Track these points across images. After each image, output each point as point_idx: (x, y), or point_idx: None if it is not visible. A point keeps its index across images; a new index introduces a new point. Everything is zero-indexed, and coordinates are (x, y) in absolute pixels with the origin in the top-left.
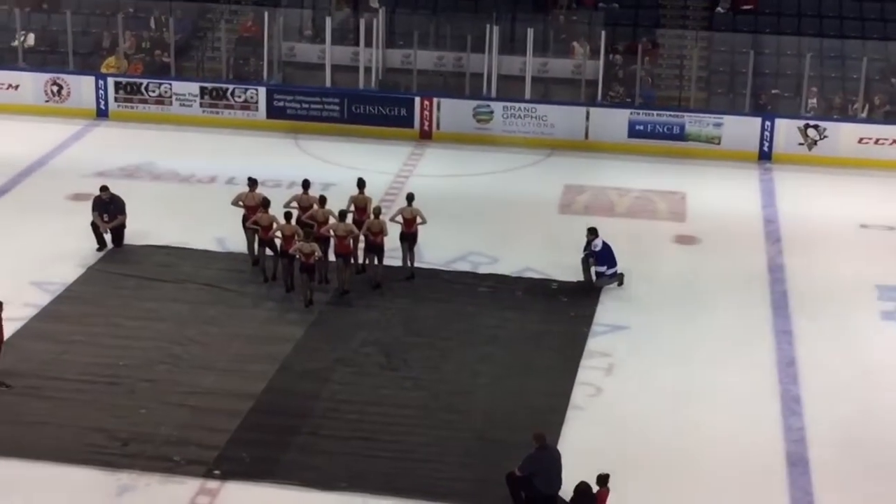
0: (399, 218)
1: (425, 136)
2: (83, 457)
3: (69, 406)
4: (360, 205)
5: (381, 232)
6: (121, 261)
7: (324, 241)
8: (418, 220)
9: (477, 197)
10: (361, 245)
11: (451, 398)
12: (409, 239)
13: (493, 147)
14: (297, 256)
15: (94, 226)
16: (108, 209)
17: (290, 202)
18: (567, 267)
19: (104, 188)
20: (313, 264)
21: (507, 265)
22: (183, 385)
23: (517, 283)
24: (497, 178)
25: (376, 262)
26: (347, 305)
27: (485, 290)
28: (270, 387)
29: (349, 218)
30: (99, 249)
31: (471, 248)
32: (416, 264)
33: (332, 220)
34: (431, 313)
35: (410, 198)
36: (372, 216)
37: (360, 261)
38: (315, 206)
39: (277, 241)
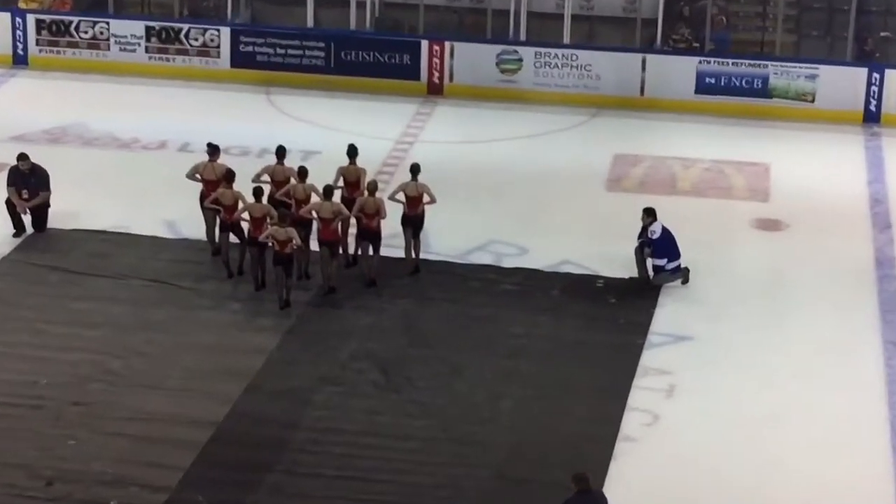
0: (401, 196)
1: (435, 90)
2: None
3: None
4: (352, 179)
5: (378, 213)
6: (43, 249)
7: (304, 225)
8: (425, 198)
9: (501, 169)
10: (352, 231)
11: (466, 427)
12: (413, 222)
13: (521, 105)
14: (270, 244)
15: (10, 204)
16: (28, 183)
17: (260, 175)
18: (616, 259)
19: (22, 156)
20: (291, 254)
21: (540, 257)
22: (122, 409)
23: (552, 280)
24: (527, 146)
25: (371, 252)
26: (334, 307)
27: (511, 289)
28: (235, 411)
29: (337, 195)
30: (15, 235)
31: (493, 234)
32: (421, 255)
33: (314, 199)
34: (442, 318)
35: (415, 170)
36: (366, 193)
37: (351, 251)
38: (293, 181)
39: (244, 225)
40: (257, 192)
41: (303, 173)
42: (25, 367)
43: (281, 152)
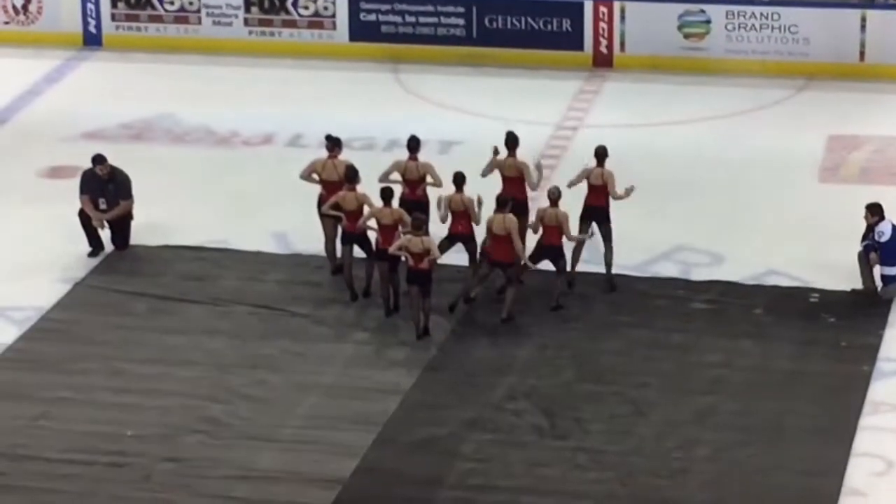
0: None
1: (603, 62)
2: None
3: (51, 501)
4: (512, 174)
5: (560, 226)
6: (126, 271)
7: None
8: (610, 186)
9: (687, 158)
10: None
11: (652, 481)
12: (596, 216)
13: (710, 78)
14: (403, 258)
15: (84, 217)
16: (106, 191)
17: (388, 173)
18: (835, 268)
19: (98, 158)
20: (429, 270)
21: (739, 267)
22: (227, 466)
23: (755, 296)
24: (718, 128)
25: (555, 271)
26: (485, 335)
27: (704, 308)
28: (366, 466)
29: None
30: (91, 254)
31: (679, 240)
32: (590, 268)
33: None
34: (619, 346)
35: (601, 155)
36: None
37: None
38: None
39: (371, 235)
40: (386, 195)
41: (350, 175)
42: (105, 417)
43: (414, 144)
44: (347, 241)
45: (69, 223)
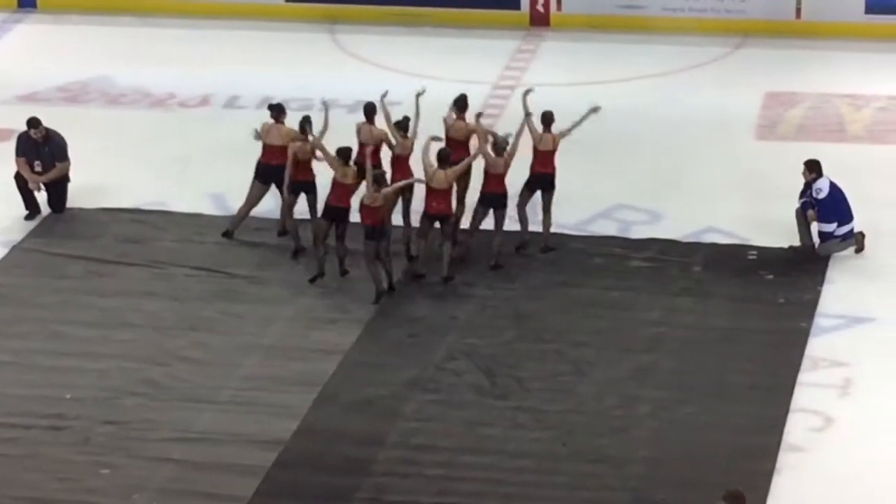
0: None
1: (540, 20)
2: None
3: None
4: (459, 136)
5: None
6: (62, 234)
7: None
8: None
9: (624, 118)
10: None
11: (593, 440)
12: (540, 183)
13: (648, 36)
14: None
15: (20, 180)
16: (41, 153)
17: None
18: (772, 225)
19: (33, 121)
20: (384, 224)
21: (677, 224)
22: (166, 428)
23: (693, 253)
24: (656, 87)
25: (493, 230)
26: (424, 296)
27: (643, 266)
28: (306, 426)
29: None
30: (28, 217)
31: (618, 198)
32: (530, 227)
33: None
34: (558, 305)
35: (549, 121)
36: (491, 153)
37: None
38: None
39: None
40: (345, 154)
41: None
42: (43, 380)
43: (369, 110)
44: (293, 190)
45: (5, 186)
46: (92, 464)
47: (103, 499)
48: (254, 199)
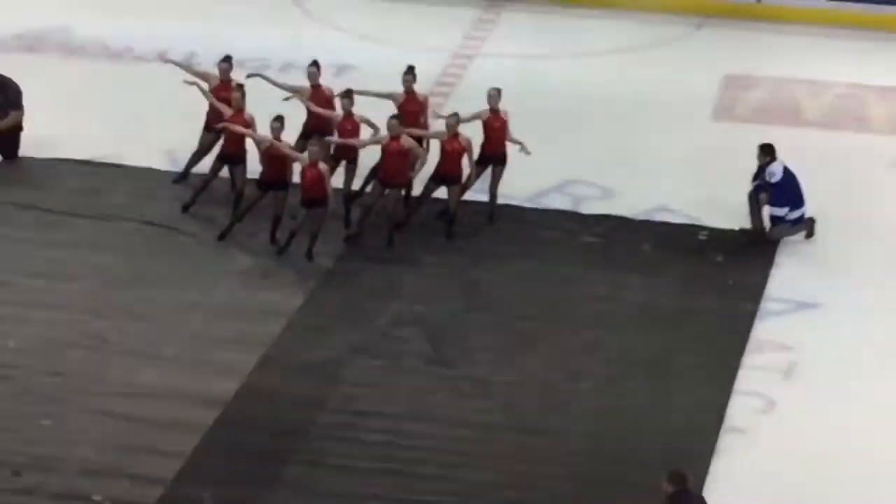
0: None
1: None
2: None
3: None
4: (411, 108)
5: (463, 149)
6: (14, 183)
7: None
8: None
9: (582, 93)
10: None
11: (536, 412)
12: (493, 159)
13: (608, 12)
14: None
15: None
16: None
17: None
18: (724, 206)
19: None
20: (325, 192)
21: (630, 202)
22: (109, 382)
23: (644, 231)
24: (615, 63)
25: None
26: (371, 261)
27: (593, 241)
28: (249, 387)
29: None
30: None
31: (571, 173)
32: (481, 198)
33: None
34: (507, 276)
35: (494, 97)
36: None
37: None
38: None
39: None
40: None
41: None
42: None
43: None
44: (228, 161)
45: None
46: (33, 415)
47: (43, 448)
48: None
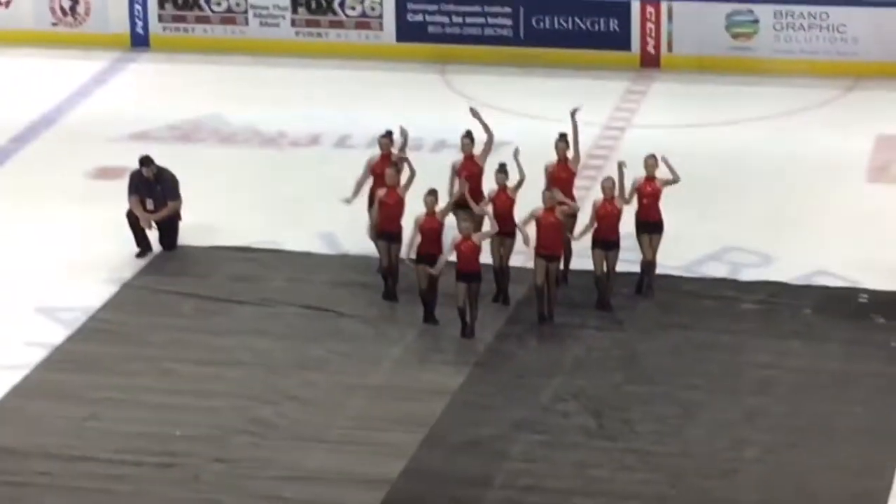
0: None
1: (650, 62)
2: None
3: (100, 501)
4: (562, 174)
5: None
6: (174, 272)
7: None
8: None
9: (735, 159)
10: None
11: (702, 482)
12: (649, 227)
13: (758, 78)
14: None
15: (132, 218)
16: (153, 192)
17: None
18: (884, 268)
19: (145, 160)
20: (477, 267)
21: (788, 267)
22: (275, 467)
23: (804, 296)
24: (766, 129)
25: (605, 267)
26: (532, 336)
27: (753, 309)
28: (413, 467)
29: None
30: (139, 255)
31: (728, 240)
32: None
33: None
34: (667, 347)
35: (651, 166)
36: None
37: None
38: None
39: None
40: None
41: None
42: (153, 417)
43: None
44: (387, 238)
45: (117, 224)
46: (201, 501)
47: None
48: None
